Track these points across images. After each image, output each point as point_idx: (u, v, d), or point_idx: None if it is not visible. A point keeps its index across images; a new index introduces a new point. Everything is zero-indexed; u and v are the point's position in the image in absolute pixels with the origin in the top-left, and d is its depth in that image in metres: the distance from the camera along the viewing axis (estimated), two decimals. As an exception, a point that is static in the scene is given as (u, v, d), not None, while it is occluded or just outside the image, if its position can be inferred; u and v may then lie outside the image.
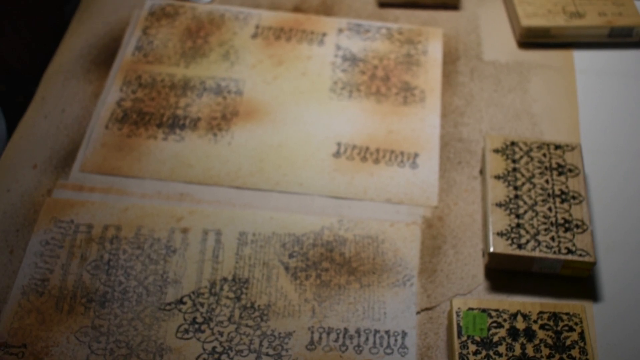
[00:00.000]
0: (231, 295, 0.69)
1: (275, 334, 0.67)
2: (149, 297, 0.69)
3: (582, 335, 0.63)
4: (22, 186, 0.77)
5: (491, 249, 0.69)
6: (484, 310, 0.65)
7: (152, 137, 0.81)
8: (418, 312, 0.69)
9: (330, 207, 0.76)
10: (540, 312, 0.65)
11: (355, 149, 0.80)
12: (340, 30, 0.92)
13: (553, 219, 0.71)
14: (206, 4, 0.95)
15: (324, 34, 0.92)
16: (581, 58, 0.90)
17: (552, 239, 0.69)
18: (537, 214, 0.71)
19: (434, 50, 0.90)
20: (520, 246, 0.69)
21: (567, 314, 0.65)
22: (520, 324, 0.64)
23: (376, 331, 0.67)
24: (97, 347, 0.66)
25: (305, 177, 0.78)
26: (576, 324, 0.64)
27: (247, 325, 0.67)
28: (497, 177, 0.74)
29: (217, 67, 0.88)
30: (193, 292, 0.69)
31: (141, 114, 0.83)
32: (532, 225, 0.70)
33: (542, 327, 0.64)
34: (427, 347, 0.67)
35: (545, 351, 0.62)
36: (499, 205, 0.72)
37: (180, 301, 0.69)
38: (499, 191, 0.73)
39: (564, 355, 0.62)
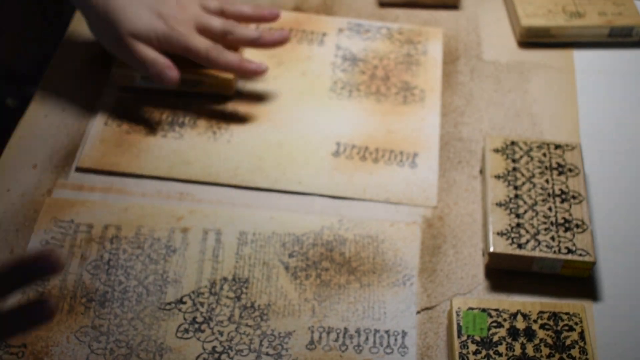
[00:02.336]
0: (231, 295, 0.69)
1: (275, 334, 0.67)
2: (149, 297, 0.69)
3: (582, 335, 0.63)
4: (22, 186, 0.77)
5: (491, 249, 0.69)
6: (484, 310, 0.65)
7: (151, 134, 0.81)
8: (418, 312, 0.69)
9: (330, 206, 0.76)
10: (540, 312, 0.65)
11: (354, 149, 0.80)
12: (341, 30, 0.92)
13: (553, 219, 0.71)
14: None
15: (324, 34, 0.92)
16: (581, 58, 0.90)
17: (552, 238, 0.69)
18: (537, 213, 0.71)
19: (434, 50, 0.90)
20: (520, 246, 0.69)
21: (567, 313, 0.65)
22: (520, 324, 0.64)
23: (376, 331, 0.67)
24: (97, 347, 0.66)
25: (305, 176, 0.78)
26: (576, 323, 0.64)
27: (247, 325, 0.67)
28: (497, 177, 0.74)
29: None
30: (193, 292, 0.69)
31: (141, 112, 0.83)
32: (532, 225, 0.70)
33: (542, 326, 0.64)
34: (427, 346, 0.67)
35: (545, 351, 0.62)
36: (499, 205, 0.72)
37: (180, 301, 0.69)
38: (499, 191, 0.73)
39: (564, 355, 0.62)
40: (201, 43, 0.79)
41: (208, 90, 0.84)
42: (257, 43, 0.82)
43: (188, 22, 0.79)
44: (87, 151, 0.79)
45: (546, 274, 0.70)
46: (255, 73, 0.81)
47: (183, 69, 0.80)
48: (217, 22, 0.81)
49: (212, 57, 0.79)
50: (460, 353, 0.62)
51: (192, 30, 0.79)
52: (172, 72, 0.77)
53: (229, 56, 0.80)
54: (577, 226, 0.70)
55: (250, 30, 0.82)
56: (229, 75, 0.83)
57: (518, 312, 0.65)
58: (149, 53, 0.77)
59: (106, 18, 0.78)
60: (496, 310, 0.65)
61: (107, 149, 0.80)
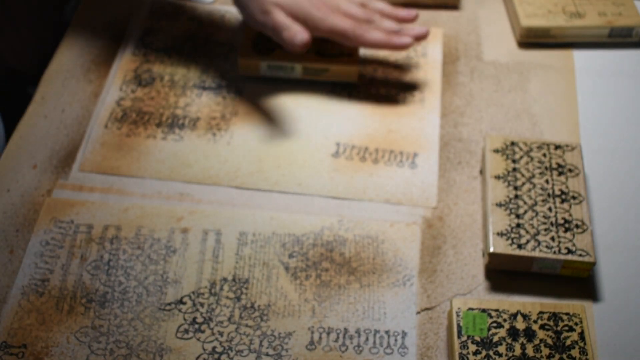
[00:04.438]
0: (231, 295, 0.69)
1: (275, 334, 0.67)
2: (149, 297, 0.69)
3: (582, 335, 0.63)
4: (22, 186, 0.77)
5: (491, 249, 0.69)
6: (484, 310, 0.65)
7: (152, 137, 0.81)
8: (418, 312, 0.69)
9: (330, 207, 0.76)
10: (540, 312, 0.65)
11: (354, 149, 0.80)
12: (340, 30, 0.92)
13: (553, 219, 0.71)
14: (207, 4, 0.95)
15: (324, 34, 0.91)
16: (581, 58, 0.90)
17: (552, 239, 0.69)
18: (537, 214, 0.71)
19: (434, 51, 0.90)
20: (520, 246, 0.69)
21: (567, 314, 0.65)
22: (520, 324, 0.64)
23: (376, 331, 0.67)
24: (97, 347, 0.66)
25: (304, 177, 0.78)
26: (576, 324, 0.64)
27: (247, 325, 0.67)
28: (497, 177, 0.74)
29: (217, 67, 0.88)
30: (193, 292, 0.69)
31: (140, 114, 0.83)
32: (532, 225, 0.70)
33: (542, 327, 0.64)
34: (427, 347, 0.67)
35: (545, 351, 0.62)
36: (499, 205, 0.72)
37: (180, 301, 0.69)
38: (499, 191, 0.73)
39: (564, 355, 0.62)
40: (345, 21, 0.80)
41: (333, 79, 0.85)
42: (397, 35, 0.82)
43: (330, 6, 0.81)
44: (87, 155, 0.79)
45: (546, 274, 0.70)
46: (405, 46, 0.82)
47: (309, 57, 0.83)
48: (358, 11, 0.82)
49: (358, 34, 0.80)
50: (460, 353, 0.62)
51: (333, 13, 0.81)
52: (304, 35, 0.78)
53: (375, 34, 0.81)
54: (577, 226, 0.70)
55: (390, 22, 0.83)
56: (354, 66, 0.84)
57: (518, 312, 0.65)
58: (286, 19, 0.79)
59: None
60: (496, 310, 0.65)
61: (107, 152, 0.80)
